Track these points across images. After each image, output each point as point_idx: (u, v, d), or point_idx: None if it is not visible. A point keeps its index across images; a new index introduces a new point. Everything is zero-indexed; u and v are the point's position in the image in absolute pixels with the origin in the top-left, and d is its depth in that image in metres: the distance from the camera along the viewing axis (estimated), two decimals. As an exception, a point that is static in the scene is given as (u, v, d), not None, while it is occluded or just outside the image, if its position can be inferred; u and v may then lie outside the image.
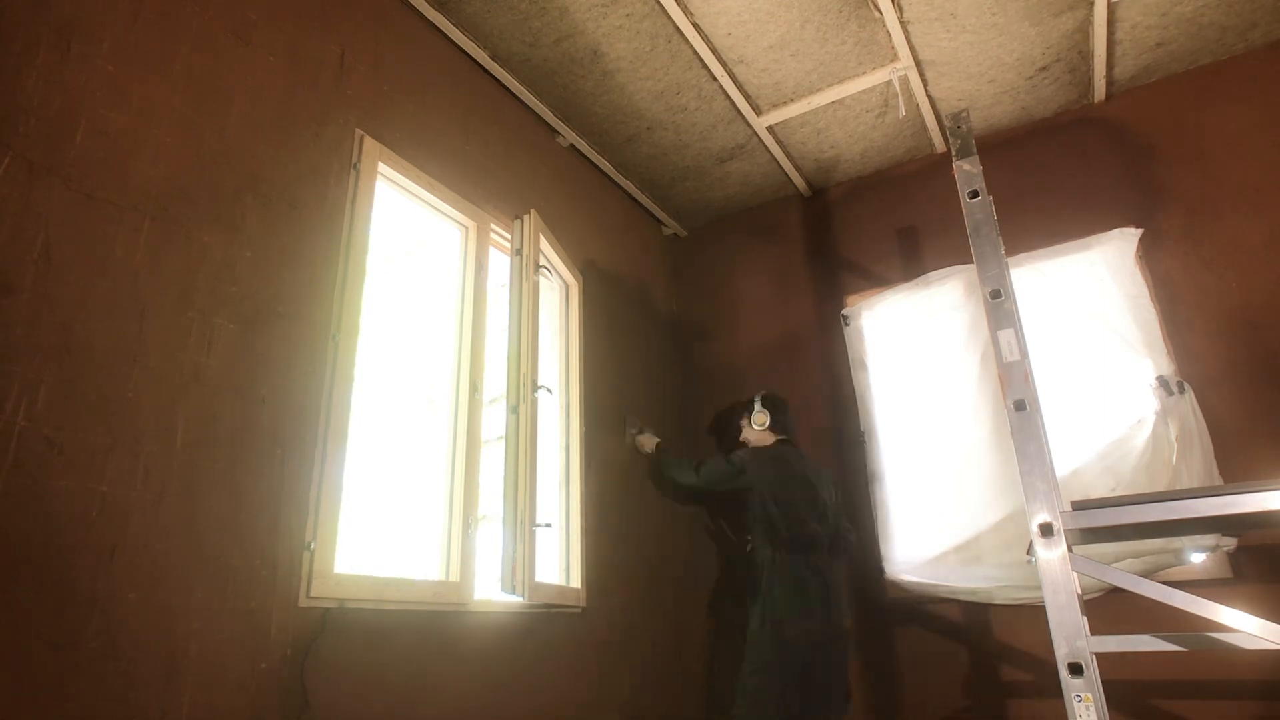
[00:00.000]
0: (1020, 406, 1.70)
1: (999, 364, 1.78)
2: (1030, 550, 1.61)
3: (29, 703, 1.26)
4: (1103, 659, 1.50)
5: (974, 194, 1.97)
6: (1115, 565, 2.34)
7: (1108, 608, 2.50)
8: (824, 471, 3.02)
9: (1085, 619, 1.51)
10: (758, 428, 3.09)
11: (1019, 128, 3.38)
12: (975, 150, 2.04)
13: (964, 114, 2.12)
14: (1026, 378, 1.72)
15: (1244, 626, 1.39)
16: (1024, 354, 1.75)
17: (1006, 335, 1.78)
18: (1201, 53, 2.98)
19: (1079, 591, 1.55)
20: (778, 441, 3.04)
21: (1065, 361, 2.86)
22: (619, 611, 2.93)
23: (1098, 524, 1.56)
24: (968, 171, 2.01)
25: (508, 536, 2.25)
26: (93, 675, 1.34)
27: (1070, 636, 1.50)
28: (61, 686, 1.30)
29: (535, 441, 2.44)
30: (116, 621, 1.39)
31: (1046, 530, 1.59)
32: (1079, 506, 1.59)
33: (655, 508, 3.33)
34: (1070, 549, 1.57)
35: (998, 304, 1.83)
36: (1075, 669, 1.48)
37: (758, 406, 3.10)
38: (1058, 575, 1.55)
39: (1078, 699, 1.46)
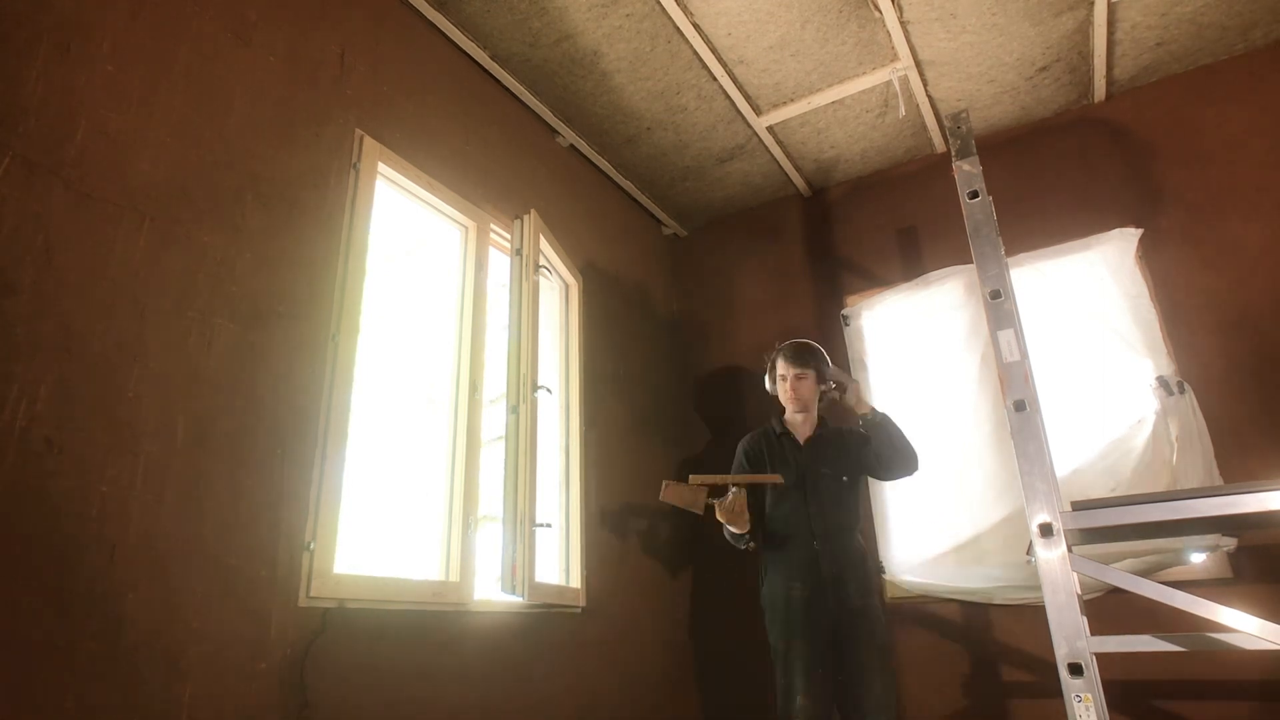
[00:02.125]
0: (1020, 406, 1.70)
1: (999, 364, 1.78)
2: (1030, 550, 1.61)
3: (29, 703, 1.26)
4: (1103, 659, 1.50)
5: (974, 194, 1.97)
6: (1115, 565, 2.34)
7: (1108, 608, 2.50)
8: (833, 431, 2.69)
9: (1085, 619, 1.51)
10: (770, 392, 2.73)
11: (1019, 128, 3.37)
12: (975, 150, 2.03)
13: (964, 114, 2.12)
14: (1026, 378, 1.72)
15: (1244, 626, 1.39)
16: (1024, 354, 1.75)
17: (1006, 335, 1.78)
18: (1201, 53, 2.98)
19: (1079, 591, 1.55)
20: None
21: (1065, 362, 2.86)
22: (619, 611, 2.93)
23: (1098, 524, 1.56)
24: (968, 172, 2.01)
25: (508, 536, 2.25)
26: (93, 675, 1.34)
27: (1070, 636, 1.50)
28: (61, 686, 1.30)
29: (535, 441, 2.44)
30: (116, 621, 1.39)
31: (1046, 530, 1.59)
32: (1079, 506, 1.59)
33: (655, 507, 3.33)
34: (1070, 549, 1.57)
35: (998, 304, 1.83)
36: (1075, 669, 1.48)
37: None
38: (1058, 575, 1.55)
39: (1078, 699, 1.46)
